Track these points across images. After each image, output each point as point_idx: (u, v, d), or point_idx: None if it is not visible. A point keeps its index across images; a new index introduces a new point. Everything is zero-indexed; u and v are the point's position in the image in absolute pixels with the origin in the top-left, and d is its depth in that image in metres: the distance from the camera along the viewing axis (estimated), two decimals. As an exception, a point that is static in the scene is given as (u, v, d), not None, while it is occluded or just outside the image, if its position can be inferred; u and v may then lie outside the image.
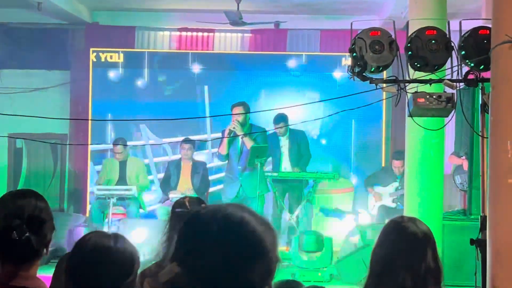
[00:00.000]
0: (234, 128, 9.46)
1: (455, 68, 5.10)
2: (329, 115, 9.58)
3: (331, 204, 11.12)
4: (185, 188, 10.41)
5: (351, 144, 11.83)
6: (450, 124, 9.60)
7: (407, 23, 5.38)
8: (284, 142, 10.49)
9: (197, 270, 1.52)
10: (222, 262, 1.51)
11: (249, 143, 9.50)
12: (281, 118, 10.18)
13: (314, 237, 8.91)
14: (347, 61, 11.42)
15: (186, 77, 12.03)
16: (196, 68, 12.01)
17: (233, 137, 9.56)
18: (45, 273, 3.80)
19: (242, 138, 9.50)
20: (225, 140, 9.61)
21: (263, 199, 9.61)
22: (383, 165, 11.57)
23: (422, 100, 5.05)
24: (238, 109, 9.53)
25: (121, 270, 2.55)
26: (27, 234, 2.53)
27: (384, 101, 10.64)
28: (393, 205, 10.49)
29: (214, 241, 1.53)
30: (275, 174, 10.16)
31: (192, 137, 11.19)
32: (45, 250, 2.61)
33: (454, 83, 5.01)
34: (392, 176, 10.64)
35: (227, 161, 10.02)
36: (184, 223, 1.60)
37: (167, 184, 10.65)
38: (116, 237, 2.67)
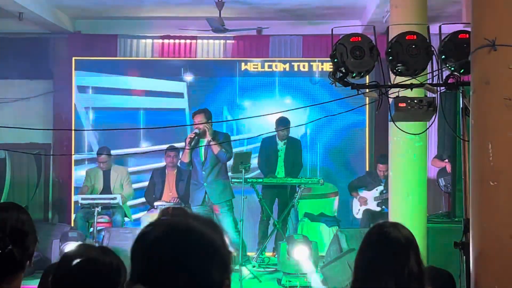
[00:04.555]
0: (200, 130, 9.29)
1: (435, 72, 5.13)
2: (313, 121, 9.58)
3: (316, 209, 11.13)
4: (169, 196, 10.41)
5: (335, 148, 11.84)
6: (433, 127, 9.71)
7: (388, 27, 5.40)
8: (282, 147, 10.53)
9: (160, 285, 1.62)
10: (180, 272, 1.62)
11: (216, 149, 9.38)
12: (284, 122, 10.22)
13: (300, 242, 8.91)
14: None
15: (168, 84, 12.00)
16: (179, 75, 12.00)
17: (206, 145, 9.40)
18: (31, 284, 3.79)
19: (208, 143, 9.35)
20: (187, 148, 9.49)
21: (231, 205, 9.57)
22: (367, 169, 11.60)
23: (403, 104, 5.07)
24: (200, 117, 9.38)
25: (107, 283, 2.55)
26: (9, 247, 2.52)
27: (367, 105, 10.69)
28: (378, 208, 10.53)
29: (167, 254, 1.64)
30: (260, 180, 10.19)
31: (176, 145, 11.18)
32: (28, 262, 2.60)
33: (435, 87, 5.04)
34: (377, 180, 10.68)
35: (190, 169, 9.75)
36: (133, 243, 1.70)
37: (151, 193, 10.64)
38: (103, 249, 2.67)
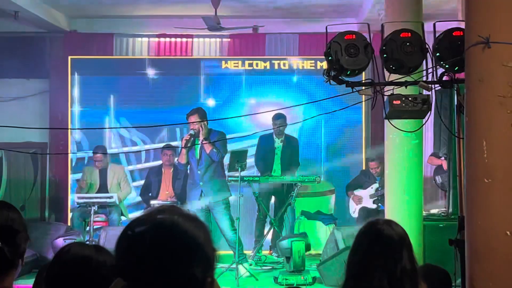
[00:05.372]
0: (195, 131, 9.30)
1: (430, 70, 5.13)
2: (306, 119, 9.58)
3: (312, 207, 11.13)
4: (166, 195, 10.40)
5: (332, 146, 11.83)
6: (430, 125, 9.71)
7: (382, 25, 5.40)
8: (279, 145, 10.53)
9: (141, 280, 1.63)
10: (163, 267, 1.62)
11: (208, 148, 9.37)
12: (281, 116, 10.23)
13: (297, 240, 8.90)
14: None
15: (164, 83, 11.99)
16: (173, 73, 11.99)
17: (196, 144, 9.40)
18: (27, 283, 3.78)
19: (201, 142, 9.36)
20: (184, 149, 9.49)
21: (228, 204, 9.57)
22: (363, 167, 11.60)
23: (398, 102, 5.07)
24: (194, 117, 9.32)
25: (101, 282, 2.54)
26: (0, 245, 2.52)
27: (363, 103, 10.68)
28: (374, 206, 10.53)
29: (150, 250, 1.64)
30: (257, 178, 10.18)
31: (172, 144, 11.18)
32: (20, 261, 2.60)
33: (430, 85, 5.04)
34: (372, 178, 10.69)
35: (188, 169, 9.77)
36: (118, 237, 1.71)
37: (147, 192, 10.63)
38: (97, 248, 2.67)
